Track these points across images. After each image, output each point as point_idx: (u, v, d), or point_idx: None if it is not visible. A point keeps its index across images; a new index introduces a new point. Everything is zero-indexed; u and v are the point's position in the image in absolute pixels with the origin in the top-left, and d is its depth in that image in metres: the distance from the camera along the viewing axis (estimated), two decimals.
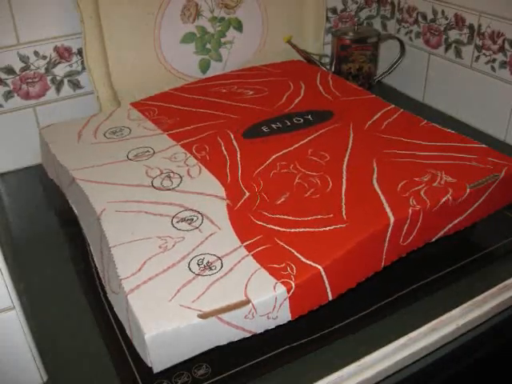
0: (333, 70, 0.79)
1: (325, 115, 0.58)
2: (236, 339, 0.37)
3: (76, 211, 0.50)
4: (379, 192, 0.45)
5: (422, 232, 0.44)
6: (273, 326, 0.38)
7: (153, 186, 0.47)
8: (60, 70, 0.64)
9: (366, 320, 0.43)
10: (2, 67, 0.61)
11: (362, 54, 0.76)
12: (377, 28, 0.85)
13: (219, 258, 0.39)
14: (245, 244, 0.41)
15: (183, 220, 0.43)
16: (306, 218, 0.43)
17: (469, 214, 0.47)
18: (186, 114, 0.59)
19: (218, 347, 0.37)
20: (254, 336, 0.38)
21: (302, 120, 0.57)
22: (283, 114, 0.58)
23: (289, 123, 0.57)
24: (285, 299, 0.37)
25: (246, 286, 0.37)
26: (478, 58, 0.70)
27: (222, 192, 0.46)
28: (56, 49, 0.63)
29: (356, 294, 0.42)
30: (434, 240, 0.46)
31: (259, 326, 0.37)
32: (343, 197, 0.45)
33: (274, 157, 0.51)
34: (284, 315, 0.38)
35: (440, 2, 0.74)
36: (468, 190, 0.46)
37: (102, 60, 0.63)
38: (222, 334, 0.36)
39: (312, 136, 0.54)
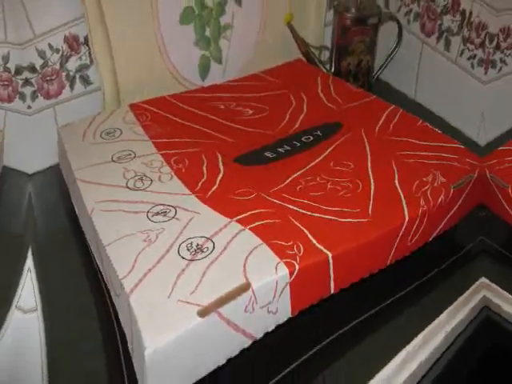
0: (333, 69, 0.77)
1: (333, 128, 0.56)
2: (236, 351, 0.36)
3: (76, 210, 0.51)
4: (400, 192, 0.46)
5: (423, 232, 0.45)
6: (273, 327, 0.38)
7: (127, 186, 0.48)
8: (72, 64, 0.64)
9: (354, 332, 0.42)
10: (25, 66, 0.60)
11: (361, 40, 0.74)
12: (379, 4, 0.80)
13: (209, 239, 0.39)
14: (236, 219, 0.40)
15: (157, 213, 0.43)
16: (331, 208, 0.43)
17: (452, 214, 0.48)
18: (178, 125, 0.57)
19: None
20: (251, 367, 0.36)
21: (311, 138, 0.55)
22: (290, 136, 0.55)
23: (298, 144, 0.54)
24: (286, 284, 0.36)
25: (245, 264, 0.36)
26: (462, 52, 0.66)
27: (189, 192, 0.47)
28: (66, 39, 0.62)
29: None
30: (430, 240, 0.46)
31: (259, 325, 0.37)
32: (372, 196, 0.45)
33: (293, 176, 0.49)
34: (284, 308, 0.37)
35: None
36: (452, 190, 0.46)
37: (107, 50, 0.63)
38: (223, 339, 0.35)
39: (328, 150, 0.53)
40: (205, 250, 0.38)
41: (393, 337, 0.42)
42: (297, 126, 0.57)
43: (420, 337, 0.40)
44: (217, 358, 0.36)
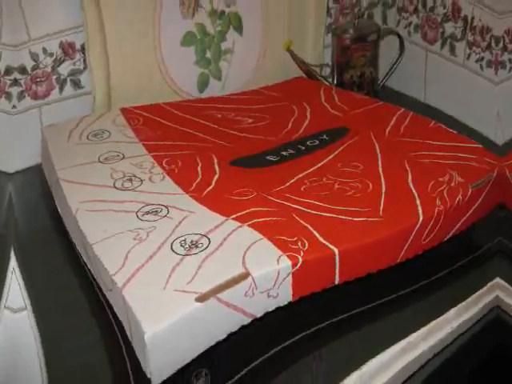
0: (335, 82, 0.75)
1: (340, 132, 0.56)
2: (236, 327, 0.35)
3: (60, 210, 0.50)
4: (414, 192, 0.45)
5: (439, 232, 0.44)
6: (273, 308, 0.37)
7: (114, 186, 0.47)
8: (64, 69, 0.64)
9: (357, 320, 0.42)
10: (16, 67, 0.61)
11: (362, 55, 0.72)
12: (377, 21, 0.81)
13: (204, 236, 0.38)
14: (233, 217, 0.40)
15: (148, 213, 0.42)
16: (339, 207, 0.42)
17: (470, 214, 0.47)
18: (171, 130, 0.57)
19: (217, 353, 0.35)
20: (252, 339, 0.36)
21: (317, 141, 0.54)
22: (294, 140, 0.55)
23: (303, 147, 0.53)
24: (288, 274, 0.35)
25: (244, 257, 0.35)
26: (469, 55, 0.66)
27: (182, 192, 0.46)
28: (61, 45, 0.63)
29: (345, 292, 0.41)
30: (445, 239, 0.46)
31: (259, 306, 0.36)
32: (383, 196, 0.45)
33: (297, 177, 0.48)
34: (285, 293, 0.36)
35: None
36: (470, 191, 0.46)
37: (103, 59, 0.63)
38: (222, 319, 0.35)
39: (335, 153, 0.52)
40: (200, 245, 0.37)
41: (398, 327, 0.42)
42: (301, 131, 0.56)
43: (424, 329, 0.40)
44: (217, 335, 0.35)
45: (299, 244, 0.37)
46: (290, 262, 0.35)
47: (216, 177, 0.48)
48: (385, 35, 0.78)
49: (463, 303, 0.43)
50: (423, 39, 0.74)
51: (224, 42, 0.70)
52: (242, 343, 0.37)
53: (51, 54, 0.62)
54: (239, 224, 0.38)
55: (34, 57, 0.61)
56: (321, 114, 0.60)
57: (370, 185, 0.46)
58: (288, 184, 0.46)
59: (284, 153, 0.51)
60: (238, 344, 0.37)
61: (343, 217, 0.41)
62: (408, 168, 0.48)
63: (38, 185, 0.58)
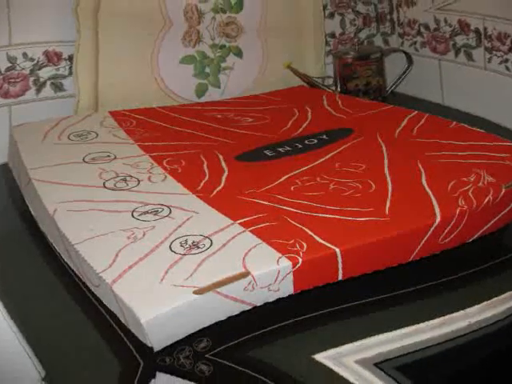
0: (339, 90, 0.72)
1: (343, 132, 0.53)
2: (236, 313, 0.35)
3: (32, 212, 0.48)
4: (429, 192, 0.43)
5: (462, 232, 0.42)
6: (274, 299, 0.36)
7: (104, 186, 0.45)
8: (45, 73, 0.62)
9: (377, 304, 0.40)
10: None
11: (367, 69, 0.70)
12: (379, 44, 0.78)
13: (206, 237, 0.37)
14: (239, 221, 0.38)
15: (146, 213, 0.40)
16: (338, 208, 0.41)
17: (504, 215, 0.44)
18: (169, 131, 0.55)
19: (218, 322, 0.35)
20: (256, 311, 0.36)
21: (315, 141, 0.51)
22: (292, 138, 0.52)
23: (300, 146, 0.51)
24: (289, 272, 0.35)
25: (244, 258, 0.35)
26: (490, 59, 0.65)
27: (188, 192, 0.43)
28: (46, 53, 0.62)
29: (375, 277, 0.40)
30: (470, 241, 0.44)
31: (259, 298, 0.35)
32: (389, 196, 0.43)
33: (286, 176, 0.46)
34: (286, 288, 0.36)
35: (441, 10, 0.68)
36: (503, 190, 0.43)
37: (92, 70, 0.61)
38: (221, 307, 0.34)
39: (334, 152, 0.49)
40: (201, 246, 0.36)
41: (410, 317, 0.39)
42: (300, 131, 0.54)
43: (438, 320, 0.38)
44: (217, 317, 0.34)
45: (297, 246, 0.36)
46: (290, 263, 0.35)
47: (225, 174, 0.46)
48: (389, 53, 0.75)
49: (488, 301, 0.41)
50: (433, 52, 0.72)
51: (224, 62, 0.68)
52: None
53: (32, 59, 0.62)
54: (242, 229, 0.37)
55: (12, 60, 0.61)
56: (322, 117, 0.58)
57: (373, 185, 0.44)
58: (276, 183, 0.44)
59: (280, 149, 0.50)
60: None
61: (340, 217, 0.39)
62: (421, 168, 0.46)
63: (2, 185, 0.56)
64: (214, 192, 0.43)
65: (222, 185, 0.44)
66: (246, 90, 0.68)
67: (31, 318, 0.40)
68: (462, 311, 0.40)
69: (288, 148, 0.50)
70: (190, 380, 0.33)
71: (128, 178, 0.45)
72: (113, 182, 0.45)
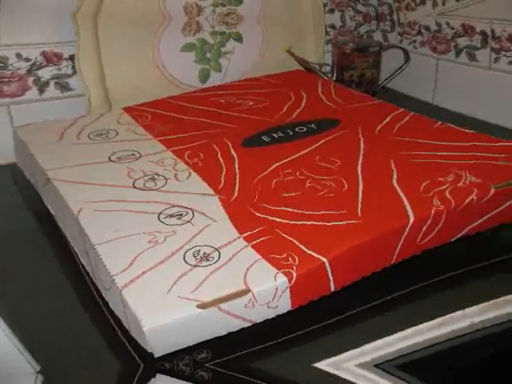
0: (334, 78, 0.74)
1: (330, 123, 0.54)
2: (236, 329, 0.36)
3: (52, 211, 0.47)
4: (400, 192, 0.43)
5: (441, 232, 0.42)
6: (273, 316, 0.37)
7: (134, 186, 0.45)
8: (45, 73, 0.61)
9: (372, 311, 0.41)
10: None
11: (364, 60, 0.72)
12: (378, 40, 0.80)
13: (216, 249, 0.38)
14: (244, 235, 0.39)
15: (171, 216, 0.41)
16: (315, 212, 0.41)
17: (493, 215, 0.44)
18: (181, 121, 0.56)
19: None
20: (256, 326, 0.37)
21: (305, 129, 0.53)
22: (285, 124, 0.54)
23: (291, 132, 0.53)
24: (286, 288, 0.36)
25: (246, 275, 0.36)
26: (497, 59, 0.65)
27: (212, 192, 0.44)
28: (44, 53, 0.61)
29: (372, 282, 0.40)
30: (452, 240, 0.44)
31: (259, 315, 0.36)
32: (360, 196, 0.43)
33: (274, 166, 0.47)
34: (284, 304, 0.37)
35: (443, 15, 0.68)
36: (493, 191, 0.43)
37: (96, 67, 0.61)
38: (222, 323, 0.35)
39: (318, 143, 0.50)
40: (210, 258, 0.37)
41: (410, 318, 0.40)
42: (294, 116, 0.56)
43: (437, 320, 0.39)
44: (217, 332, 0.36)
45: (290, 260, 0.37)
46: (286, 278, 0.36)
47: (236, 163, 0.47)
48: (387, 49, 0.77)
49: (491, 302, 0.41)
50: (433, 51, 0.73)
51: (224, 47, 0.70)
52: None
53: (28, 59, 0.61)
54: (246, 244, 0.38)
55: (3, 60, 0.60)
56: (315, 104, 0.59)
57: (346, 184, 0.44)
58: (263, 175, 0.46)
59: (275, 135, 0.52)
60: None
61: (323, 222, 0.40)
62: (394, 167, 0.46)
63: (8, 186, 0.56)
64: (234, 196, 0.43)
65: (238, 184, 0.45)
66: (245, 73, 0.71)
67: (32, 318, 0.40)
68: (461, 311, 0.40)
69: (281, 134, 0.52)
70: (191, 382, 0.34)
71: (156, 177, 0.46)
72: (142, 182, 0.45)
